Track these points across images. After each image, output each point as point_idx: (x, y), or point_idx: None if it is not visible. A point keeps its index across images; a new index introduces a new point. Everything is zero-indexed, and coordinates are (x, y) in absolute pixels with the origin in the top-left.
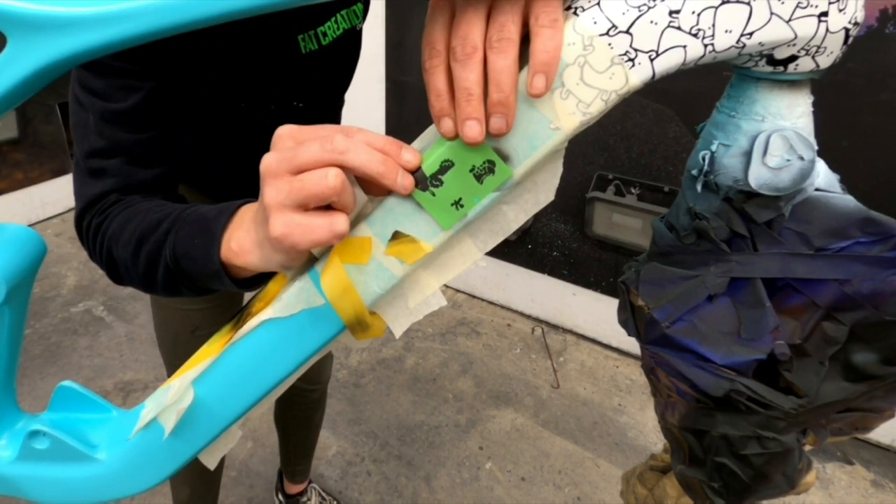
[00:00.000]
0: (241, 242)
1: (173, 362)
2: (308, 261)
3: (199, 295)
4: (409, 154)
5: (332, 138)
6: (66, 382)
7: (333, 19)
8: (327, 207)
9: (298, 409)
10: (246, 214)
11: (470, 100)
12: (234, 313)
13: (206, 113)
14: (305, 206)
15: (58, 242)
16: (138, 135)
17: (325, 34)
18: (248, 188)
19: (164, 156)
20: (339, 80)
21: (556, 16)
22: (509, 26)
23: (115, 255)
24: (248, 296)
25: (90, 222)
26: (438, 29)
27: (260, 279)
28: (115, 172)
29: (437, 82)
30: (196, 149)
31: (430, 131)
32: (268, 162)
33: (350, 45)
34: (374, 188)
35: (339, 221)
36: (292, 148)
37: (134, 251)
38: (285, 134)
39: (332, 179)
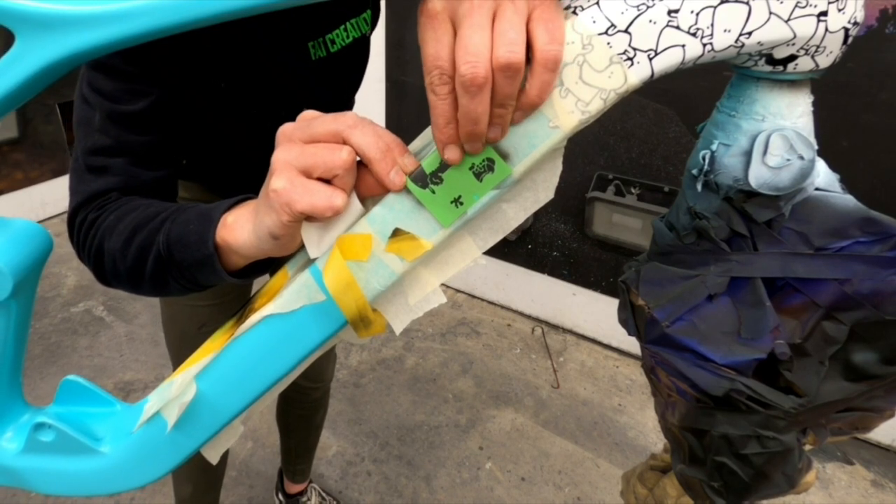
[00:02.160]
0: (237, 215)
1: (179, 358)
2: (308, 260)
3: (185, 293)
4: (408, 159)
5: (346, 116)
6: (72, 376)
7: (342, 27)
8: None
9: (300, 409)
10: (251, 201)
11: (476, 127)
12: (237, 309)
13: (216, 118)
14: (309, 174)
15: (58, 242)
16: (145, 137)
17: (333, 41)
18: (258, 191)
19: (168, 159)
20: (348, 86)
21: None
22: (518, 42)
23: (106, 247)
24: (252, 292)
25: (85, 217)
26: (444, 48)
27: (251, 272)
28: (118, 171)
29: (447, 109)
30: (206, 152)
31: (430, 131)
32: (284, 128)
33: (358, 52)
34: (371, 186)
35: (339, 196)
36: (310, 120)
37: (126, 240)
38: (308, 114)
39: (344, 154)
